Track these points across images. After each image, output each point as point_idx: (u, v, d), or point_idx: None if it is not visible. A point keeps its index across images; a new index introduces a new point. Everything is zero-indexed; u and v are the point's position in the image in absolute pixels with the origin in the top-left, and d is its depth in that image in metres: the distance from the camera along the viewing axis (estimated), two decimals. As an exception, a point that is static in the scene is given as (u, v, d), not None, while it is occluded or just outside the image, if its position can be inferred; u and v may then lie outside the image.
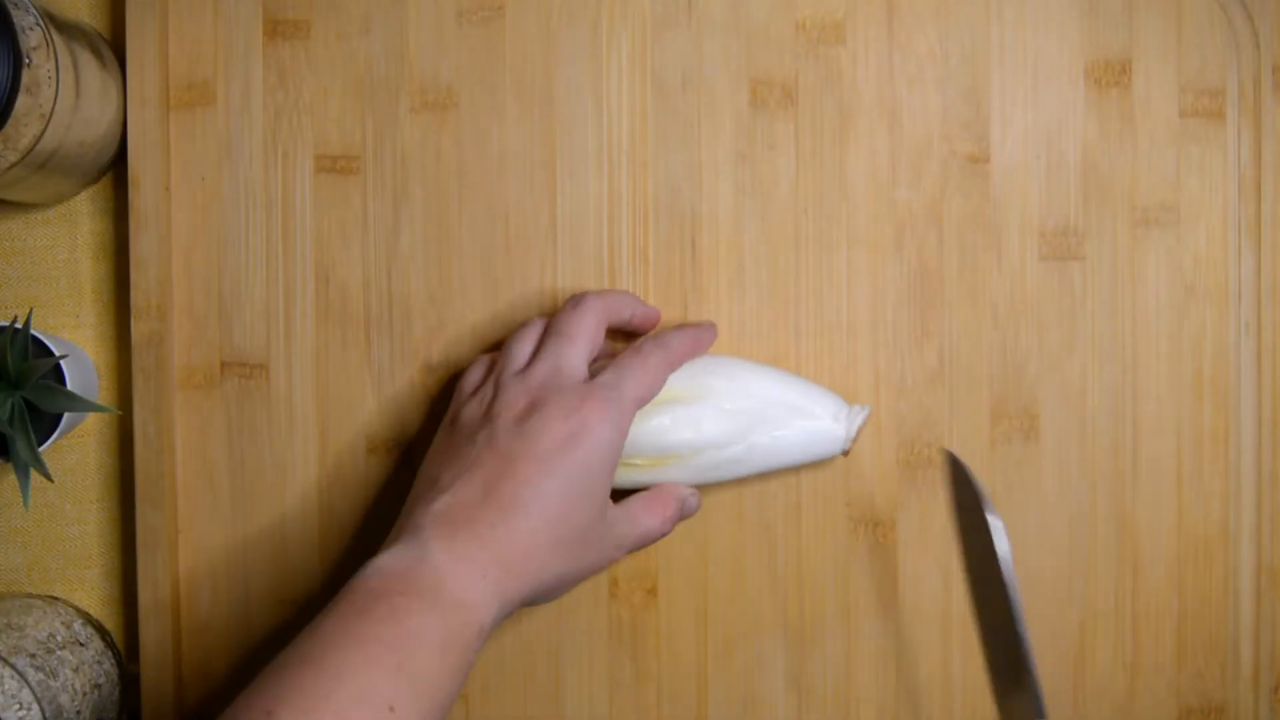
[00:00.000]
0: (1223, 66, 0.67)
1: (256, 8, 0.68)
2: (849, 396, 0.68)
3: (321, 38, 0.68)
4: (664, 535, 0.63)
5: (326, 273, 0.68)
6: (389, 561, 0.56)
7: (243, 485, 0.68)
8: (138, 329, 0.67)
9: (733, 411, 0.63)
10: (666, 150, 0.68)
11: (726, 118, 0.68)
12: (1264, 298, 0.67)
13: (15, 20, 0.56)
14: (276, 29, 0.68)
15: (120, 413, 0.67)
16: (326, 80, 0.68)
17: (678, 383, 0.63)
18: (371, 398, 0.68)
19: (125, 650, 0.69)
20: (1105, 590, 0.68)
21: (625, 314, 0.65)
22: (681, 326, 0.65)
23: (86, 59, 0.62)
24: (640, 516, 0.62)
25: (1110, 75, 0.68)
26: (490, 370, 0.64)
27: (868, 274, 0.68)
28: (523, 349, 0.63)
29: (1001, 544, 0.57)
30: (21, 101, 0.56)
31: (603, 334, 0.63)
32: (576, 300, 0.64)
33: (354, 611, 0.54)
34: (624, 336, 0.67)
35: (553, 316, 0.64)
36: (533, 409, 0.59)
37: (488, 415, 0.60)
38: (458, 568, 0.55)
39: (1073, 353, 0.68)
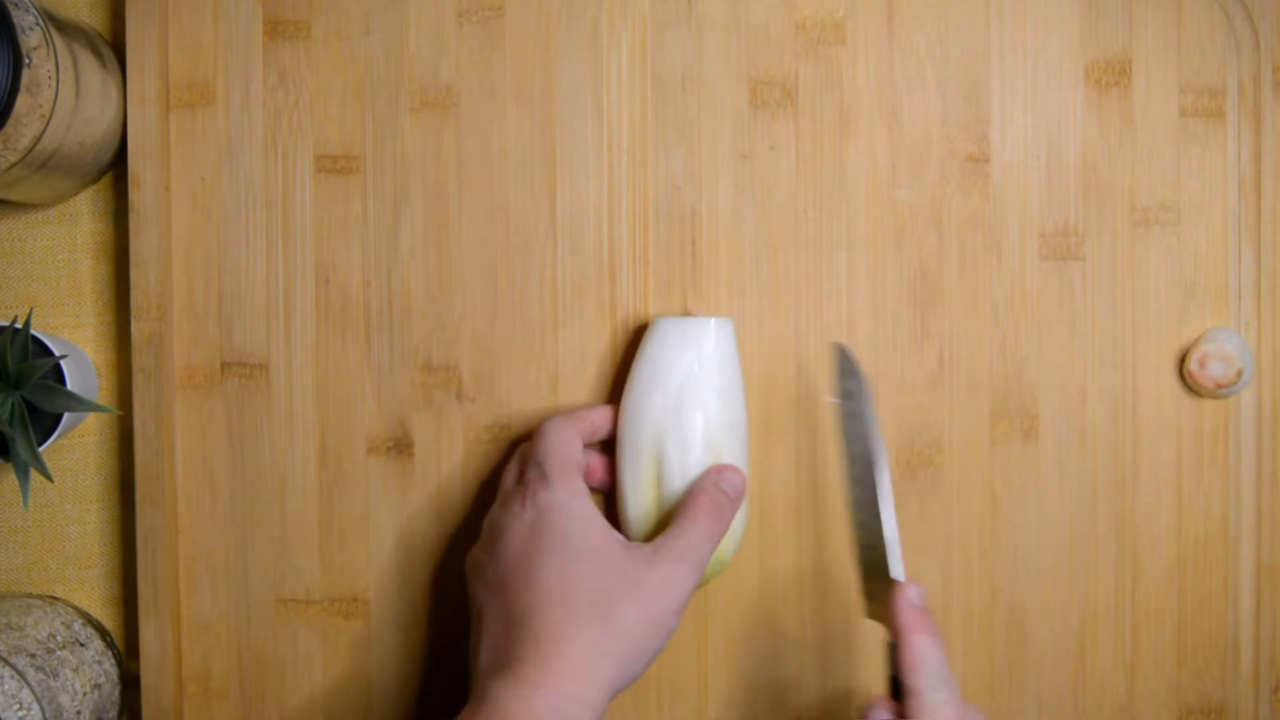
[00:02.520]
0: (1223, 66, 0.67)
1: (256, 8, 0.68)
2: (849, 396, 0.68)
3: (321, 38, 0.68)
4: (720, 519, 0.62)
5: (326, 273, 0.68)
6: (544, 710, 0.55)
7: (243, 485, 0.68)
8: (138, 329, 0.67)
9: None
10: (666, 150, 0.68)
11: (726, 118, 0.68)
12: (1264, 298, 0.67)
13: (15, 20, 0.56)
14: (276, 29, 0.68)
15: (120, 413, 0.67)
16: (326, 80, 0.68)
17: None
18: (371, 397, 0.68)
19: (125, 650, 0.69)
20: (1105, 590, 0.68)
21: (586, 433, 0.65)
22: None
23: (86, 59, 0.62)
24: (674, 530, 0.61)
25: (1110, 75, 0.68)
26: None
27: (868, 274, 0.68)
28: (509, 479, 0.64)
29: (868, 409, 0.60)
30: (21, 101, 0.56)
31: (573, 445, 0.63)
32: (538, 428, 0.64)
33: None
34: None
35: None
36: (496, 533, 0.61)
37: (475, 565, 0.62)
38: (518, 692, 0.55)
39: (1073, 353, 0.68)
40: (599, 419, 0.65)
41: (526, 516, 0.60)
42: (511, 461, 0.65)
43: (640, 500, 0.64)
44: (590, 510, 0.60)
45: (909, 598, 0.58)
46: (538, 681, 0.55)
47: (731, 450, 0.64)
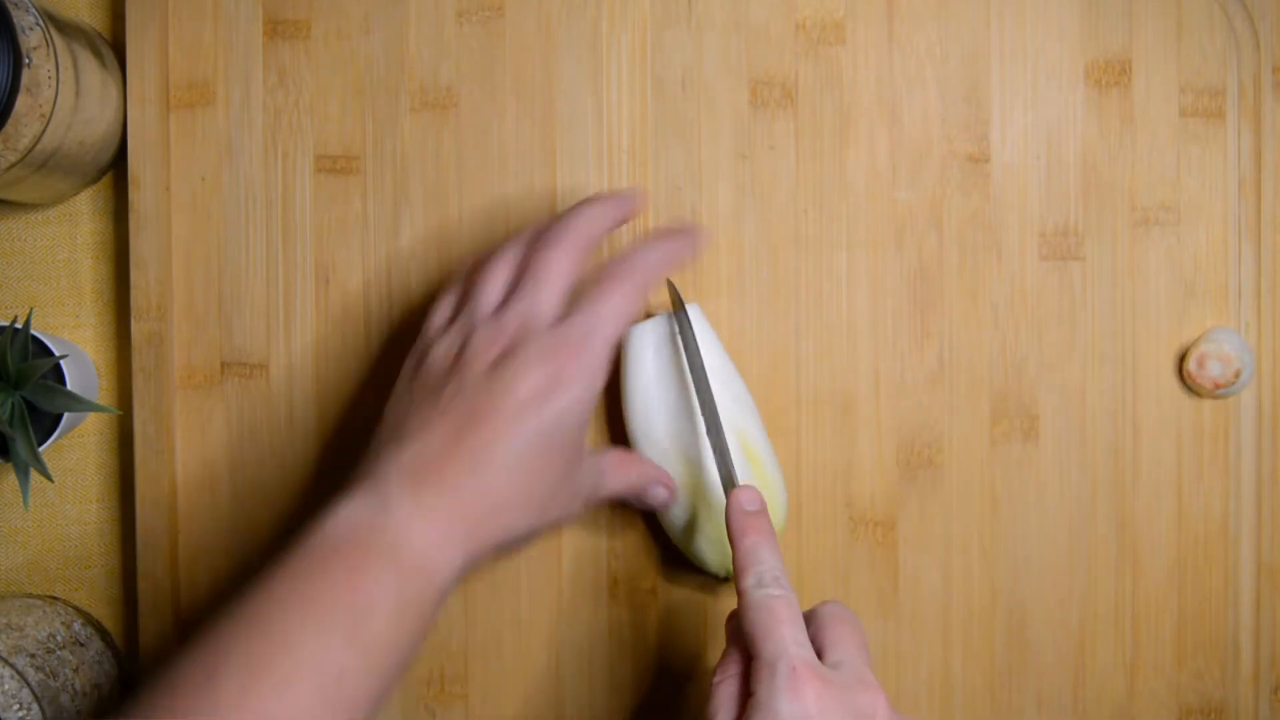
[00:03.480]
0: (1223, 66, 0.67)
1: (256, 8, 0.68)
2: (849, 396, 0.68)
3: (321, 38, 0.68)
4: (630, 499, 0.62)
5: (326, 273, 0.68)
6: (349, 514, 0.53)
7: (243, 485, 0.68)
8: (138, 329, 0.67)
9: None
10: (666, 150, 0.68)
11: (726, 118, 0.68)
12: (1264, 298, 0.67)
13: (15, 20, 0.56)
14: (276, 29, 0.68)
15: (120, 413, 0.67)
16: (326, 80, 0.68)
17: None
18: (371, 398, 0.68)
19: (125, 650, 0.69)
20: (1105, 590, 0.68)
21: (603, 228, 0.60)
22: (654, 236, 0.60)
23: (86, 59, 0.62)
24: (611, 474, 0.61)
25: (1110, 75, 0.68)
26: (458, 308, 0.60)
27: (868, 274, 0.68)
28: (493, 288, 0.59)
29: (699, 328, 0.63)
30: (21, 101, 0.56)
31: (583, 263, 0.59)
32: (548, 238, 0.58)
33: (307, 570, 0.51)
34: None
35: (527, 246, 0.59)
36: (505, 358, 0.56)
37: (457, 363, 0.57)
38: (422, 525, 0.53)
39: (1073, 353, 0.68)
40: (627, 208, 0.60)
41: (544, 377, 0.55)
42: (517, 246, 0.59)
43: (682, 503, 0.64)
44: (591, 412, 0.57)
45: (740, 503, 0.57)
46: (453, 533, 0.53)
47: (747, 422, 0.64)
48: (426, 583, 0.53)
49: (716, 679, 0.54)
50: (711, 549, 0.64)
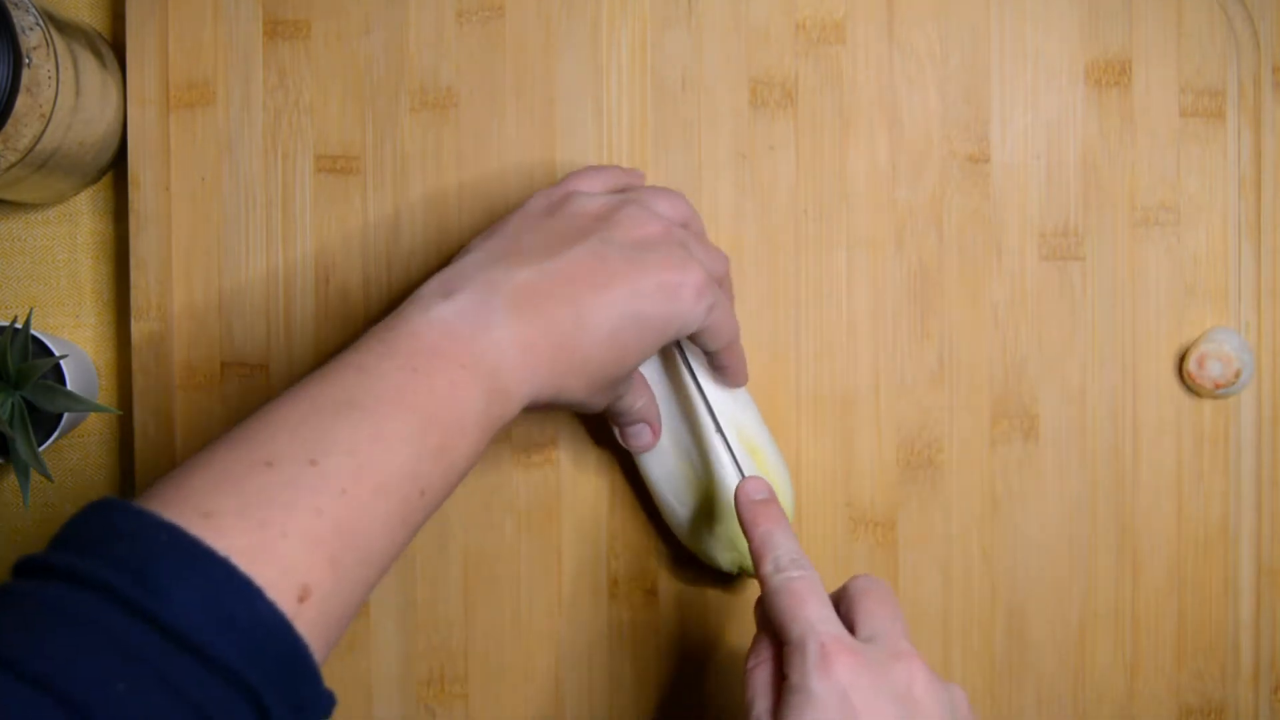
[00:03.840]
0: (1223, 66, 0.67)
1: (256, 8, 0.68)
2: (849, 396, 0.68)
3: (321, 38, 0.68)
4: (615, 419, 0.62)
5: (326, 273, 0.68)
6: (454, 317, 0.51)
7: (243, 485, 0.68)
8: (138, 329, 0.67)
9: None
10: (666, 150, 0.68)
11: (726, 118, 0.68)
12: (1264, 298, 0.67)
13: (15, 20, 0.56)
14: (276, 29, 0.68)
15: (120, 413, 0.67)
16: (326, 80, 0.68)
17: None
18: (371, 398, 0.68)
19: (125, 650, 0.69)
20: (1105, 590, 0.68)
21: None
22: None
23: (86, 59, 0.62)
24: (635, 389, 0.61)
25: (1110, 75, 0.68)
26: (613, 192, 0.60)
27: (868, 274, 0.68)
28: (665, 207, 0.59)
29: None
30: (21, 101, 0.56)
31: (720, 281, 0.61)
32: (716, 247, 0.61)
33: (411, 366, 0.49)
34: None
35: (694, 223, 0.61)
36: (654, 242, 0.56)
37: (608, 220, 0.56)
38: (516, 352, 0.51)
39: (1073, 353, 0.68)
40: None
41: (675, 277, 0.55)
42: (676, 203, 0.60)
43: (687, 503, 0.65)
44: (681, 336, 0.58)
45: (748, 494, 0.58)
46: (532, 368, 0.52)
47: (745, 416, 0.64)
48: (503, 410, 0.51)
49: (750, 664, 0.54)
50: (720, 545, 0.64)
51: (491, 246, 0.55)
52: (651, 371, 0.64)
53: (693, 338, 0.59)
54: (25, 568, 0.41)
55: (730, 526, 0.64)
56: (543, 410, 0.56)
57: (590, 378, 0.54)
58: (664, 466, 0.64)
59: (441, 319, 0.51)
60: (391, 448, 0.47)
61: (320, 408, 0.47)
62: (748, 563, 0.64)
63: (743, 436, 0.64)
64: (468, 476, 0.68)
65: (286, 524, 0.43)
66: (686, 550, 0.67)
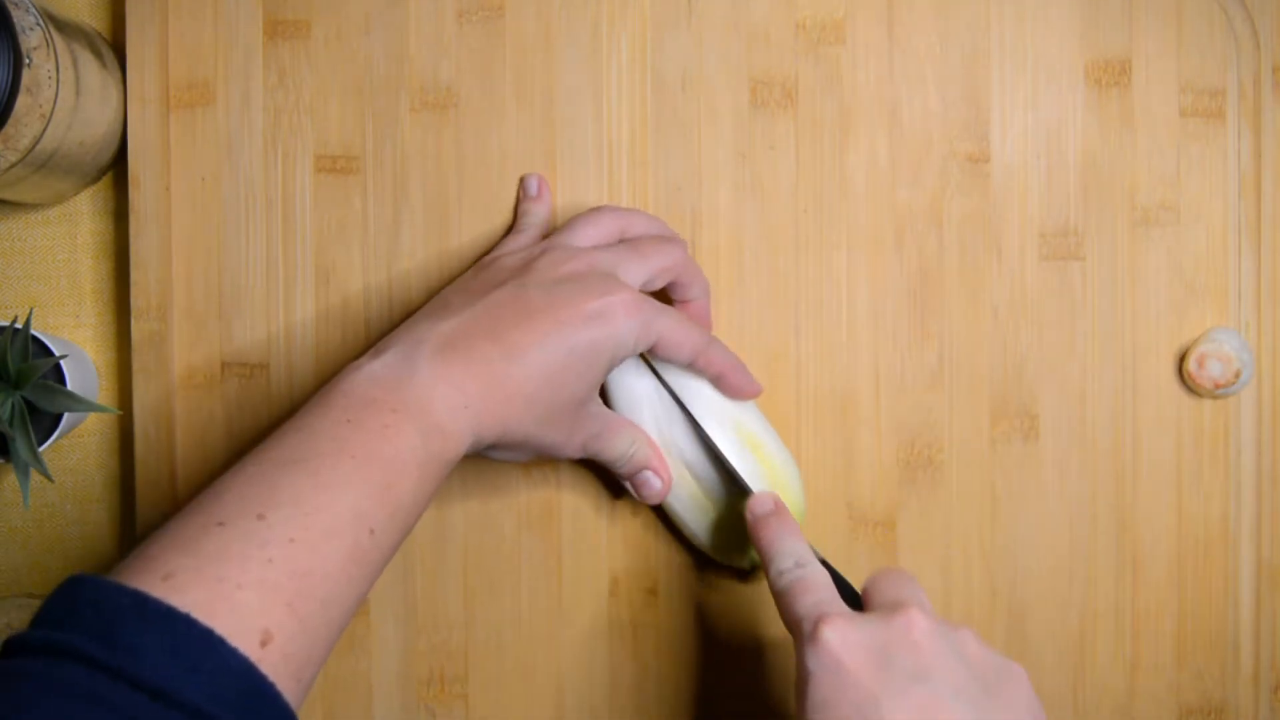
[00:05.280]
0: (1223, 66, 0.67)
1: (256, 8, 0.68)
2: (849, 396, 0.68)
3: (321, 38, 0.68)
4: (619, 470, 0.62)
5: (326, 273, 0.68)
6: (381, 370, 0.54)
7: (243, 485, 0.68)
8: (138, 329, 0.67)
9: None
10: (666, 150, 0.68)
11: (726, 118, 0.68)
12: (1264, 298, 0.67)
13: (15, 20, 0.56)
14: (276, 29, 0.68)
15: (120, 413, 0.67)
16: (326, 80, 0.68)
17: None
18: (371, 398, 0.68)
19: (125, 650, 0.69)
20: (1105, 590, 0.68)
21: (692, 290, 0.64)
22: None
23: (86, 59, 0.62)
24: (610, 432, 0.61)
25: (1110, 75, 0.68)
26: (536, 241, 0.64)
27: (868, 274, 0.68)
28: (590, 233, 0.62)
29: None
30: (21, 101, 0.56)
31: (669, 279, 0.63)
32: (670, 237, 0.64)
33: (345, 419, 0.52)
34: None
35: (632, 227, 0.64)
36: (575, 276, 0.59)
37: (525, 268, 0.59)
38: (445, 389, 0.54)
39: (1073, 353, 0.68)
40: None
41: (598, 303, 0.57)
42: (617, 219, 0.64)
43: (699, 518, 0.65)
44: (621, 360, 0.59)
45: (753, 510, 0.60)
46: (465, 404, 0.55)
47: (743, 414, 0.64)
48: (443, 447, 0.54)
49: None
50: (735, 550, 0.65)
51: (422, 312, 0.59)
52: (646, 396, 0.64)
53: (654, 354, 0.60)
54: (10, 647, 0.44)
55: (730, 524, 0.64)
56: (512, 453, 0.59)
57: (533, 409, 0.56)
58: (673, 489, 0.64)
59: (371, 374, 0.54)
60: (334, 492, 0.50)
61: (266, 468, 0.50)
62: None
63: (742, 433, 0.64)
64: (467, 481, 0.68)
65: (241, 576, 0.46)
66: (686, 550, 0.67)
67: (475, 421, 0.55)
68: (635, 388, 0.64)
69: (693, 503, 0.65)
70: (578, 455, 0.61)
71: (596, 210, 0.64)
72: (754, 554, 0.65)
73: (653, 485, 0.63)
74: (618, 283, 0.59)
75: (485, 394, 0.55)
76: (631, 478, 0.63)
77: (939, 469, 0.68)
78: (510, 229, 0.67)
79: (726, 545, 0.65)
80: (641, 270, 0.61)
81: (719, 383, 0.63)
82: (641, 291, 0.61)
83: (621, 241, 0.63)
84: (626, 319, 0.58)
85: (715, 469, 0.64)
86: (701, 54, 0.68)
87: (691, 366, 0.62)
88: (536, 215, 0.66)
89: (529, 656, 0.68)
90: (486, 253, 0.65)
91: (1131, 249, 0.68)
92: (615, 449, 0.61)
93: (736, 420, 0.64)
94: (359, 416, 0.52)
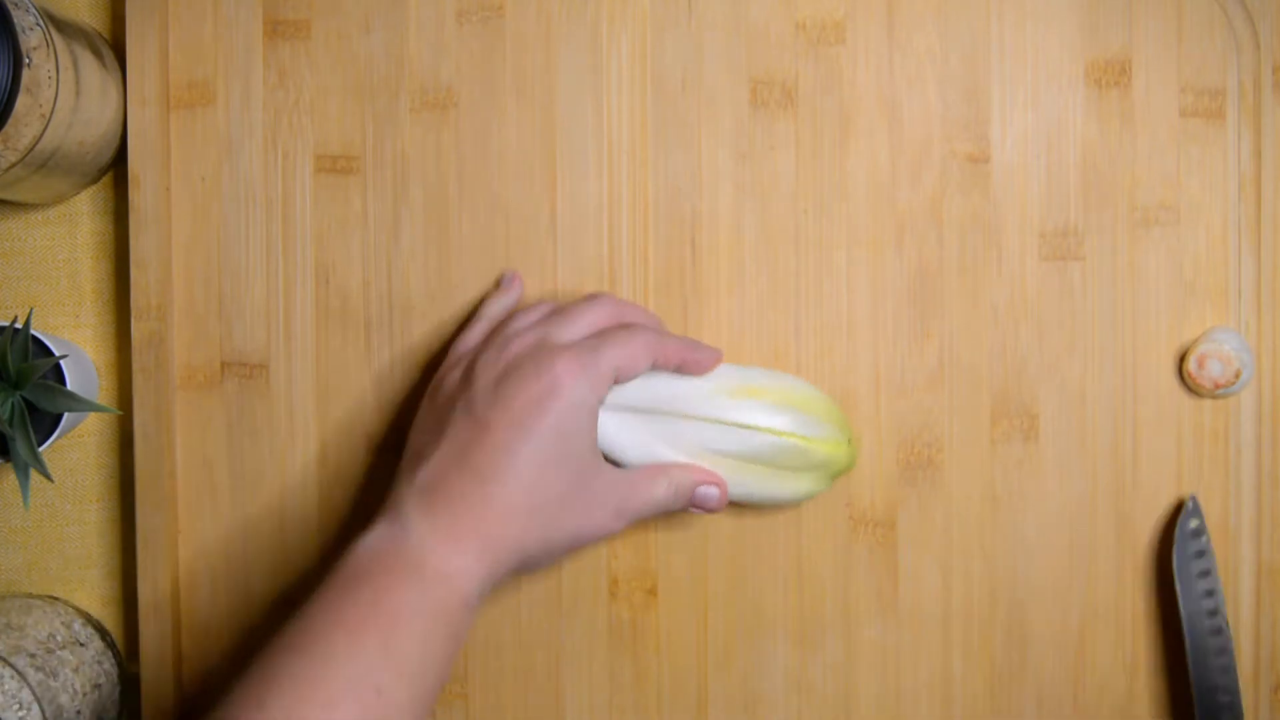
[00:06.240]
0: (1223, 66, 0.67)
1: (256, 8, 0.68)
2: (849, 396, 0.68)
3: (321, 38, 0.68)
4: (675, 508, 0.61)
5: (326, 273, 0.68)
6: (372, 541, 0.56)
7: (243, 485, 0.68)
8: (138, 329, 0.67)
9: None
10: (666, 150, 0.68)
11: (726, 118, 0.68)
12: (1264, 298, 0.67)
13: (15, 20, 0.56)
14: (276, 29, 0.68)
15: (120, 413, 0.67)
16: (326, 80, 0.68)
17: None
18: (371, 397, 0.68)
19: (125, 650, 0.69)
20: (1105, 590, 0.68)
21: (656, 348, 0.62)
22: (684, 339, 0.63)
23: (86, 59, 0.62)
24: (642, 484, 0.60)
25: (1110, 75, 0.68)
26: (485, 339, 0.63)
27: (868, 274, 0.68)
28: (523, 322, 0.62)
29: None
30: (21, 101, 0.56)
31: (607, 323, 0.62)
32: (594, 294, 0.64)
33: (338, 595, 0.54)
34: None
35: (625, 316, 0.63)
36: (511, 369, 0.58)
37: (465, 381, 0.60)
38: (437, 540, 0.55)
39: (1073, 353, 0.68)
40: (694, 356, 0.62)
41: (540, 385, 0.57)
42: (535, 309, 0.63)
43: (767, 481, 0.64)
44: (596, 418, 0.59)
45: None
46: (465, 547, 0.55)
47: (728, 379, 0.63)
48: (449, 593, 0.54)
49: None
50: (809, 464, 0.64)
51: (400, 467, 0.60)
52: (617, 432, 0.63)
53: (618, 382, 0.60)
54: None
55: (805, 450, 0.63)
56: (548, 559, 0.59)
57: (537, 516, 0.57)
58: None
59: (365, 547, 0.55)
60: (330, 666, 0.51)
61: (267, 658, 0.52)
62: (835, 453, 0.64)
63: (735, 393, 0.63)
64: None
65: None
66: (686, 550, 0.67)
67: (481, 556, 0.55)
68: (605, 433, 0.62)
69: (752, 476, 0.64)
70: (623, 526, 0.60)
71: (530, 307, 0.63)
72: (842, 444, 0.64)
73: (711, 497, 0.62)
74: (551, 351, 0.58)
75: (479, 527, 0.56)
76: (694, 505, 0.62)
77: (939, 469, 0.68)
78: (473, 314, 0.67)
79: (811, 468, 0.64)
80: (571, 327, 0.61)
81: (683, 370, 0.62)
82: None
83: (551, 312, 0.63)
84: (574, 382, 0.57)
85: (740, 437, 0.63)
86: (701, 54, 0.68)
87: (652, 369, 0.61)
88: (491, 308, 0.65)
89: (529, 656, 0.68)
90: (469, 315, 0.66)
91: (1131, 249, 0.68)
92: (654, 497, 0.60)
93: (720, 388, 0.63)
94: (354, 589, 0.54)
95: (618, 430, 0.62)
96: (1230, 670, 0.64)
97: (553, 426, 0.57)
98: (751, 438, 0.63)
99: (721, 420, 0.62)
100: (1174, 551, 0.65)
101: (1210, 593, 0.65)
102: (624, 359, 0.59)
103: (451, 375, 0.61)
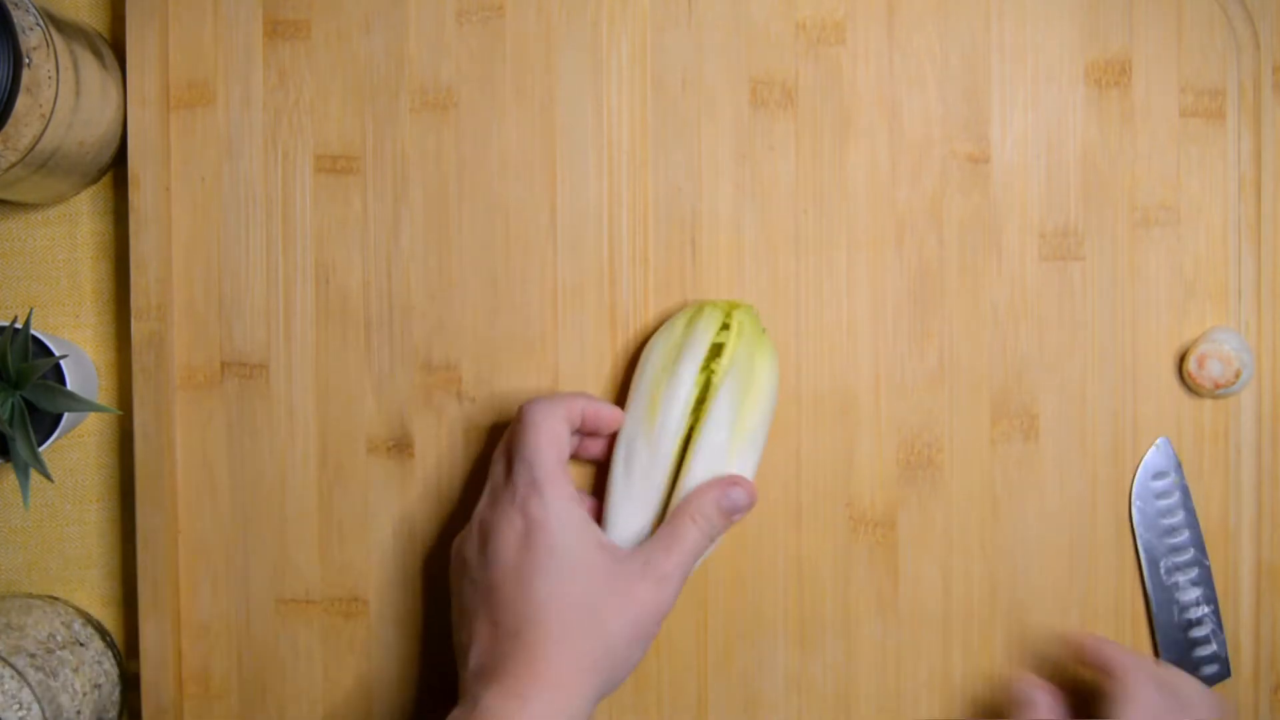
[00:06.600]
0: (1223, 66, 0.67)
1: (256, 8, 0.68)
2: (849, 396, 0.68)
3: (321, 38, 0.68)
4: (717, 533, 0.62)
5: (326, 273, 0.68)
6: None
7: (243, 485, 0.68)
8: (138, 329, 0.67)
9: None
10: (666, 150, 0.68)
11: (726, 118, 0.68)
12: (1264, 298, 0.67)
13: (15, 20, 0.56)
14: (276, 29, 0.68)
15: (120, 413, 0.67)
16: (326, 80, 0.68)
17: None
18: (371, 398, 0.68)
19: (125, 650, 0.69)
20: (1105, 590, 0.68)
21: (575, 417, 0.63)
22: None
23: (86, 59, 0.62)
24: (664, 538, 0.61)
25: (1110, 75, 0.68)
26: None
27: (868, 274, 0.68)
28: (494, 477, 0.63)
29: None
30: (21, 101, 0.56)
31: (561, 441, 0.62)
32: (519, 413, 0.63)
33: None
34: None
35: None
36: (486, 535, 0.61)
37: (462, 561, 0.62)
38: (507, 704, 0.56)
39: (1073, 353, 0.68)
40: (593, 411, 0.63)
41: (518, 525, 0.60)
42: (498, 451, 0.64)
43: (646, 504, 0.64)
44: (582, 519, 0.60)
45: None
46: (529, 695, 0.56)
47: (717, 435, 0.63)
48: None
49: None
50: None
51: (457, 662, 0.61)
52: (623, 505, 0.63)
53: (587, 444, 0.64)
54: None
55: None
56: (632, 658, 0.60)
57: (584, 628, 0.58)
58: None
59: None
60: None
61: None
62: None
63: (736, 438, 0.63)
64: (467, 482, 0.68)
65: None
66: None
67: (554, 699, 0.56)
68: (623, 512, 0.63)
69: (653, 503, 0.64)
70: (673, 590, 0.60)
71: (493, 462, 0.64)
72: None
73: (739, 499, 0.62)
74: (512, 494, 0.60)
75: (539, 672, 0.57)
76: (730, 520, 0.62)
77: (939, 469, 0.68)
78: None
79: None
80: (515, 445, 0.62)
81: (595, 426, 0.64)
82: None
83: None
84: (540, 507, 0.59)
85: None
86: (701, 54, 0.68)
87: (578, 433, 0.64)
88: (493, 474, 0.64)
89: (529, 656, 0.68)
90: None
91: (1131, 249, 0.68)
92: (685, 543, 0.61)
93: (720, 447, 0.63)
94: None
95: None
96: (1207, 602, 0.66)
97: (545, 553, 0.58)
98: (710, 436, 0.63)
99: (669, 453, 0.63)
100: (1133, 487, 0.67)
101: (1174, 530, 0.66)
102: (543, 439, 0.61)
103: (462, 554, 0.62)
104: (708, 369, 0.63)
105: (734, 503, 0.62)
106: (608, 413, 0.63)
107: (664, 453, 0.63)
